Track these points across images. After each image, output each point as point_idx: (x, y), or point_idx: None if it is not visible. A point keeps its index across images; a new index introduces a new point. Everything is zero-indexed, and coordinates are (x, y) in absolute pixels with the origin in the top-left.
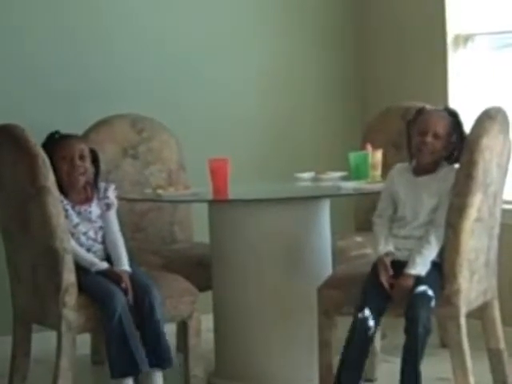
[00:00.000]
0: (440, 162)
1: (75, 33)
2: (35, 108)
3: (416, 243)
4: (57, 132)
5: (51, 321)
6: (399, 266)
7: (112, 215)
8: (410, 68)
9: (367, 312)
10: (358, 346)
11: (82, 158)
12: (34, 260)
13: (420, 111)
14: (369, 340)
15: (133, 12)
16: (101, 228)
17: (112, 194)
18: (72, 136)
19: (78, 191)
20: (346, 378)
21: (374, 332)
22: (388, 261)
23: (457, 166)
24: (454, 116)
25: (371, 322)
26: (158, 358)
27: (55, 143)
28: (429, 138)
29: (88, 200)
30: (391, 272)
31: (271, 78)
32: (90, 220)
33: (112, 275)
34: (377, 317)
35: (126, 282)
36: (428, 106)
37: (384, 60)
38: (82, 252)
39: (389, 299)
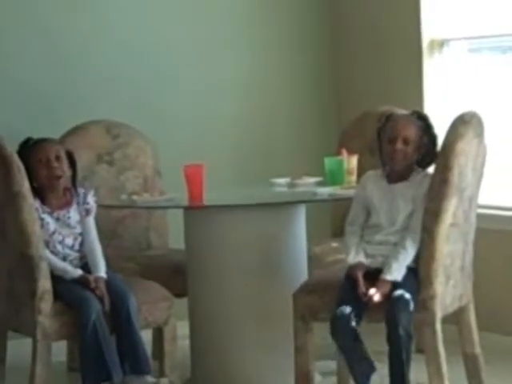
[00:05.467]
0: (412, 167)
1: (51, 38)
2: (8, 114)
3: (391, 249)
4: (30, 139)
5: (27, 328)
6: (374, 273)
7: (91, 221)
8: (385, 73)
9: (344, 307)
10: (347, 338)
11: (58, 158)
12: (10, 267)
13: (388, 117)
14: (354, 330)
15: (108, 18)
16: (80, 234)
17: (91, 200)
18: (46, 139)
19: (57, 196)
20: (359, 371)
21: (357, 323)
22: (360, 274)
23: (431, 171)
24: (423, 119)
25: (348, 310)
26: (136, 364)
27: (30, 148)
28: (399, 145)
29: (67, 204)
30: (363, 289)
31: (246, 84)
32: (68, 225)
33: (86, 282)
34: (356, 314)
35: (101, 289)
36: (397, 112)
37: (359, 65)
38: (55, 260)
39: (365, 307)
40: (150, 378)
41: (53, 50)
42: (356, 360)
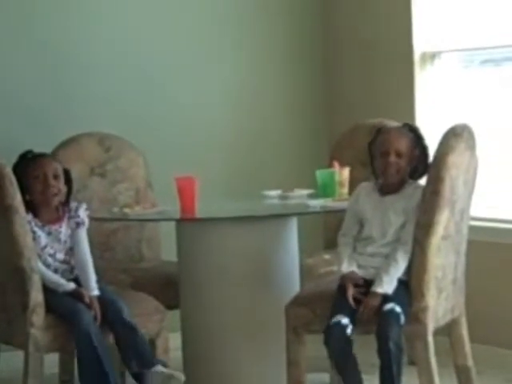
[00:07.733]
0: (405, 179)
1: (45, 51)
2: (2, 126)
3: (383, 261)
4: (29, 152)
5: (18, 340)
6: (366, 285)
7: (82, 234)
8: (377, 85)
9: (339, 316)
10: (341, 346)
11: (55, 177)
12: (2, 279)
13: (379, 131)
14: (348, 338)
15: (102, 33)
16: (71, 249)
17: (83, 213)
18: (45, 155)
19: (49, 210)
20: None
21: (352, 331)
22: (351, 285)
23: (422, 183)
24: (413, 131)
25: (345, 320)
26: (143, 360)
27: (28, 163)
28: (392, 158)
29: (59, 219)
30: (361, 281)
31: (238, 96)
32: (60, 240)
33: (80, 297)
34: (350, 321)
35: (95, 307)
36: (387, 124)
37: (352, 77)
38: (48, 273)
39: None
40: (161, 368)
41: (46, 63)
42: (347, 369)
